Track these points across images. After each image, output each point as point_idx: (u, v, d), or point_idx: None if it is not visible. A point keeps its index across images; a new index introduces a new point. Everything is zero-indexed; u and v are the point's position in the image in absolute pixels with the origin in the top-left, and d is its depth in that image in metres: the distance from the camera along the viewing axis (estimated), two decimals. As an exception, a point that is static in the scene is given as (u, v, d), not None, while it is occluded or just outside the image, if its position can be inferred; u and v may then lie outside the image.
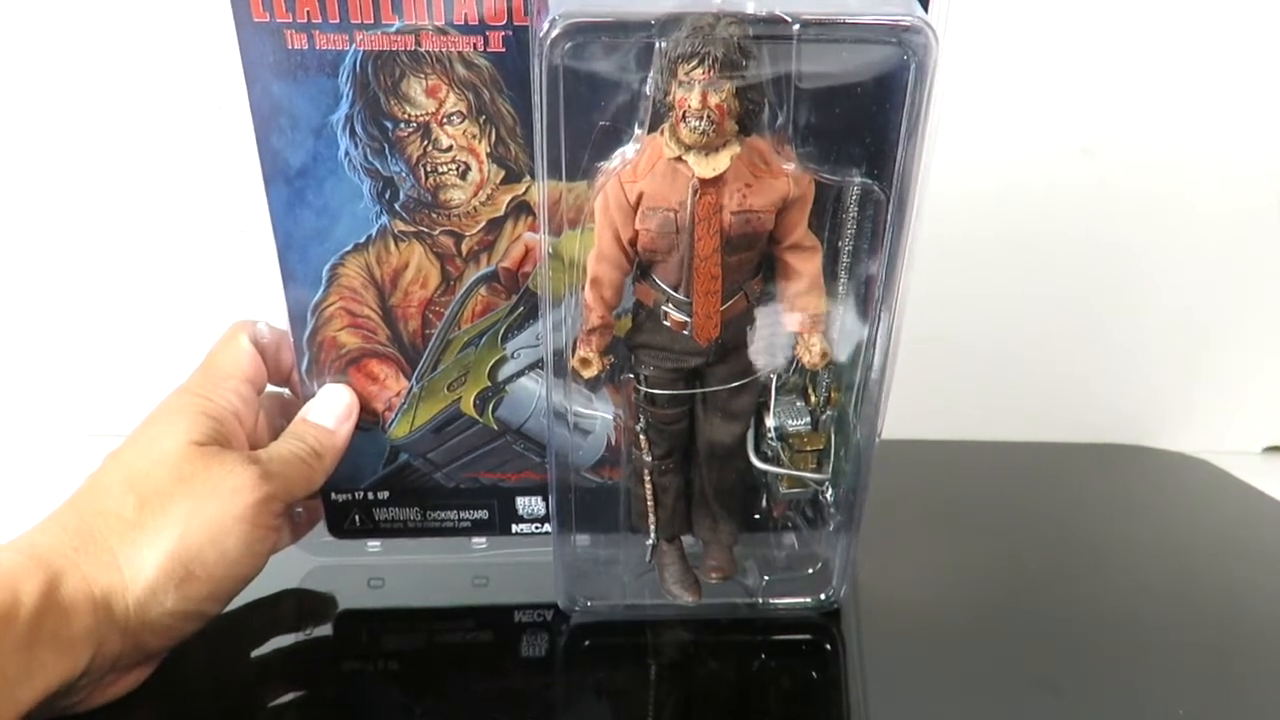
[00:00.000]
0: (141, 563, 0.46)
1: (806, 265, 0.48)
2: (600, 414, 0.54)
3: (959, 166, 0.70)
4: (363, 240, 0.51)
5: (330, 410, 0.54)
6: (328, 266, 0.52)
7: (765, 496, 0.57)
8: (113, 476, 0.48)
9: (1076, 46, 0.77)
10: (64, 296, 0.82)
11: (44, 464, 0.81)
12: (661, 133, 0.44)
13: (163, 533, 0.46)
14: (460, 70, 0.47)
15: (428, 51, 0.47)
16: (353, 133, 0.49)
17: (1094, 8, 0.75)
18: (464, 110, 0.48)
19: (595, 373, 0.50)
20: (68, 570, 0.44)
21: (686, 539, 0.57)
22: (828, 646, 0.57)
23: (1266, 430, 0.91)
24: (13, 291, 0.82)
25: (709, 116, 0.42)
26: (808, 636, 0.57)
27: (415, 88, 0.48)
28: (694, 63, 0.41)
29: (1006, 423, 0.81)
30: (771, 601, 0.57)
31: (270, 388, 0.57)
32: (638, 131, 0.45)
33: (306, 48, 0.46)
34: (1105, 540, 0.68)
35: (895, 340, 0.50)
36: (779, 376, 0.52)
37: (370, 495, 0.59)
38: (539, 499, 0.59)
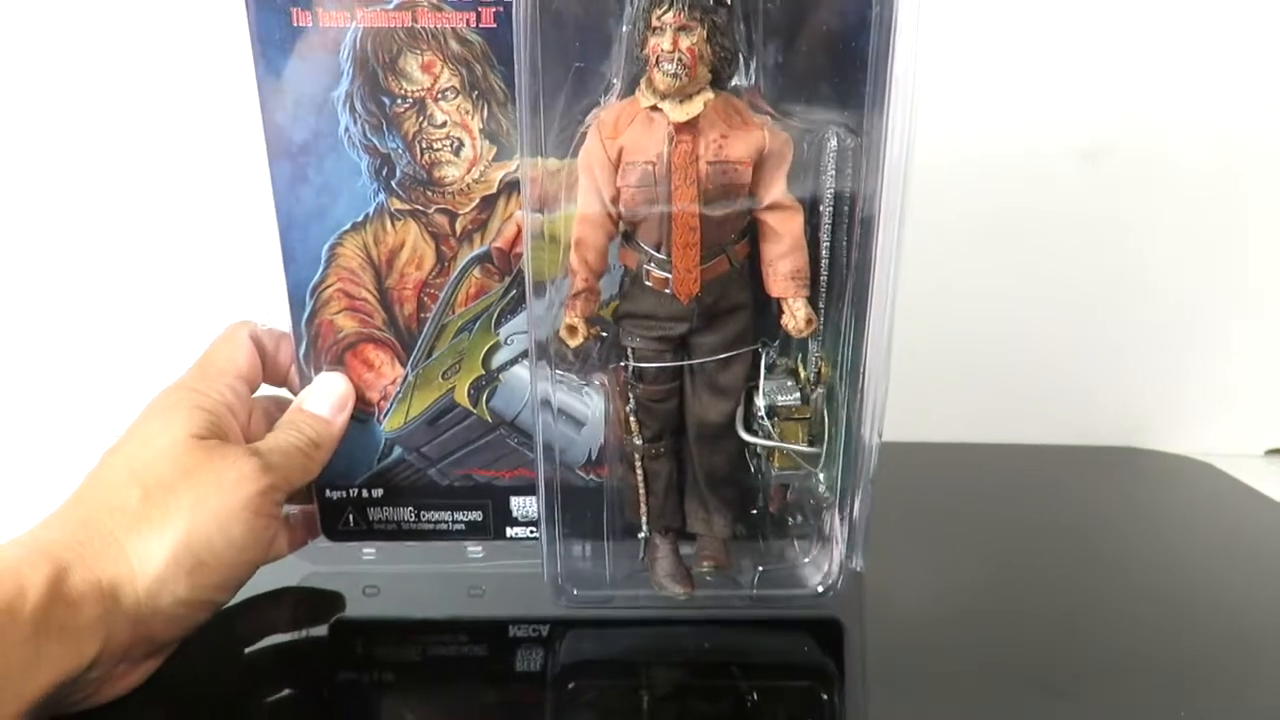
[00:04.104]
0: (150, 553, 0.46)
1: (787, 225, 0.48)
2: (593, 408, 0.54)
3: (958, 167, 0.71)
4: (360, 219, 0.53)
5: (326, 399, 0.55)
6: (327, 246, 0.53)
7: (761, 495, 0.56)
8: (115, 471, 0.49)
9: (1075, 46, 0.78)
10: (61, 294, 0.84)
11: (42, 463, 0.81)
12: (639, 88, 0.46)
13: (170, 523, 0.46)
14: (454, 46, 0.50)
15: (423, 28, 0.50)
16: (352, 109, 0.51)
17: (1092, 6, 0.77)
18: (457, 85, 0.51)
19: (581, 341, 0.50)
20: (74, 563, 0.44)
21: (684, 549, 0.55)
22: (829, 650, 0.55)
23: (1269, 433, 0.90)
24: (10, 289, 0.84)
25: (680, 59, 0.44)
26: (808, 643, 0.56)
27: (411, 63, 0.50)
28: (665, 6, 0.44)
29: (1009, 426, 0.81)
30: (766, 592, 0.54)
31: (268, 390, 0.58)
32: (616, 85, 0.46)
33: (310, 25, 0.49)
34: (1107, 543, 0.68)
35: (892, 304, 0.49)
36: (767, 355, 0.52)
37: (364, 493, 0.58)
38: (533, 499, 0.58)
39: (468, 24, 0.50)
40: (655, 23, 0.44)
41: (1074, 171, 0.79)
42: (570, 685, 0.53)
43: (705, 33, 0.44)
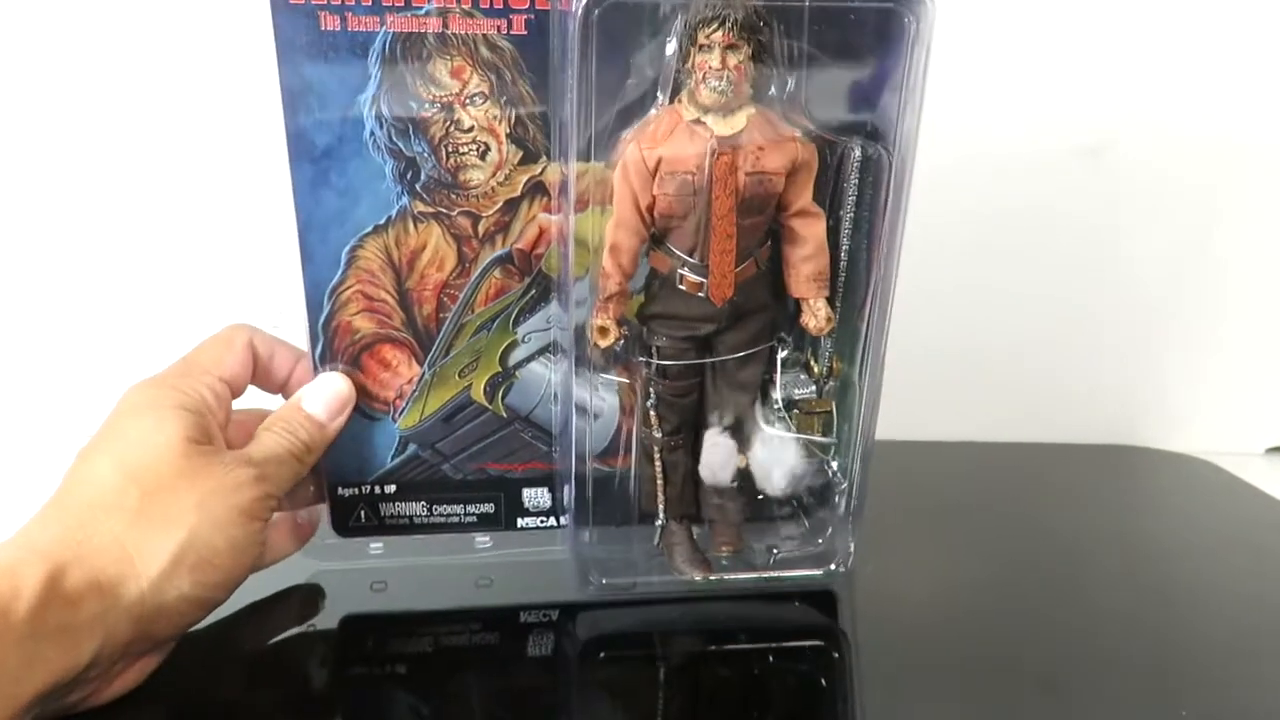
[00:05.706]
0: (152, 549, 0.46)
1: (811, 230, 0.51)
2: (609, 393, 0.56)
3: (958, 166, 0.72)
4: (382, 222, 0.53)
5: (324, 401, 0.54)
6: (347, 249, 0.53)
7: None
8: (105, 471, 0.47)
9: (1076, 42, 0.77)
10: (77, 296, 0.80)
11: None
12: (680, 100, 0.48)
13: (172, 521, 0.46)
14: (484, 52, 0.50)
15: (454, 33, 0.50)
16: (379, 113, 0.51)
17: (1093, 6, 0.77)
18: (486, 91, 0.51)
19: (612, 340, 0.52)
20: (71, 562, 0.44)
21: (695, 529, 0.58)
22: (832, 652, 0.57)
23: (1270, 431, 0.90)
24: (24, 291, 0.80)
25: (728, 77, 0.46)
26: (811, 642, 0.58)
27: (441, 69, 0.50)
28: (714, 26, 0.45)
29: (1009, 424, 0.82)
30: (780, 575, 0.58)
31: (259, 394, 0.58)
32: (660, 99, 0.48)
33: (339, 29, 0.49)
34: (1108, 541, 0.68)
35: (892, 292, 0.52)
36: (783, 348, 0.55)
37: (377, 490, 0.59)
38: (545, 490, 0.60)
39: (499, 31, 0.50)
40: (703, 40, 0.45)
41: (1074, 170, 0.79)
42: (583, 671, 0.55)
43: (751, 51, 0.46)
